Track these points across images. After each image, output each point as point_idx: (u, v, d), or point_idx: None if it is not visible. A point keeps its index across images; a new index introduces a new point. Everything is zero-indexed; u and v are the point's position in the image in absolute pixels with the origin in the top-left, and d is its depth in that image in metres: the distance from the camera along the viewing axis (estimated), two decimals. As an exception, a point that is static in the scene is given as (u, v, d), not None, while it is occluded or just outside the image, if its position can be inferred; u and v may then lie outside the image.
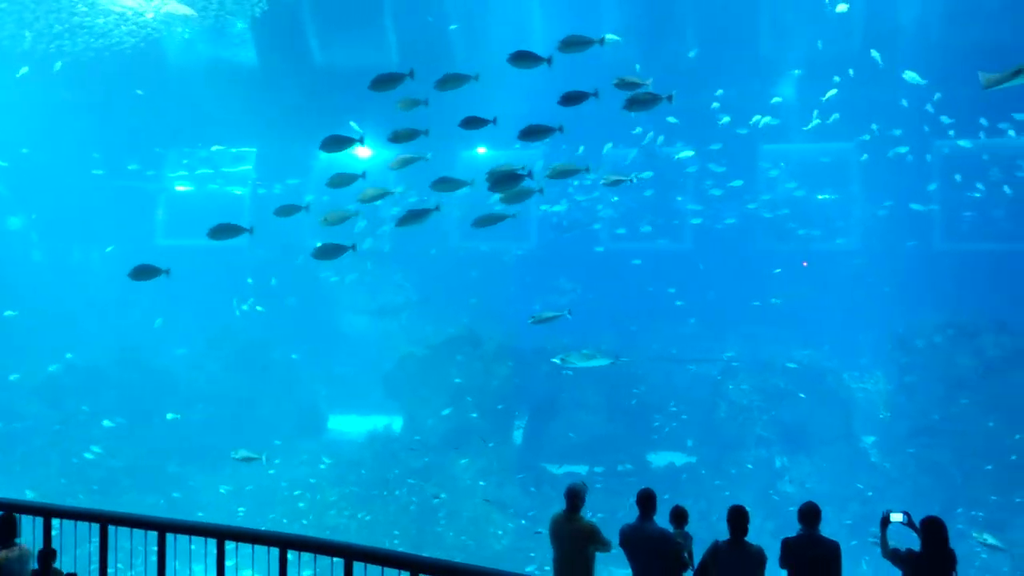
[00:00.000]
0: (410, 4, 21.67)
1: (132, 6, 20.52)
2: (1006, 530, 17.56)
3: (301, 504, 20.58)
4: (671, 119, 22.16)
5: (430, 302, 26.72)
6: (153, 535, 7.68)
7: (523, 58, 11.72)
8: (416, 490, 20.44)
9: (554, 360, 16.47)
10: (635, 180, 15.43)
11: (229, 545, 7.46)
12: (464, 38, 21.77)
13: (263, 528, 14.23)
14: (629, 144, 23.98)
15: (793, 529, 7.63)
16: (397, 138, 12.82)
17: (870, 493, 19.58)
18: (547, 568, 8.10)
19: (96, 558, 7.91)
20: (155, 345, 24.73)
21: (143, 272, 12.72)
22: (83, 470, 21.40)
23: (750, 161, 25.39)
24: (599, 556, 7.86)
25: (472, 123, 12.26)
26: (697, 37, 22.21)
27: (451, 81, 12.15)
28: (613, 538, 7.87)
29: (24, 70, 22.35)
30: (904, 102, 21.48)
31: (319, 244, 13.39)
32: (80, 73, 22.34)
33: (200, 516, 18.52)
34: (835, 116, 21.89)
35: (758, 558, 7.28)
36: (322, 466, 21.62)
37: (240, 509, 20.62)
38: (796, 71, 22.51)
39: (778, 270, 25.13)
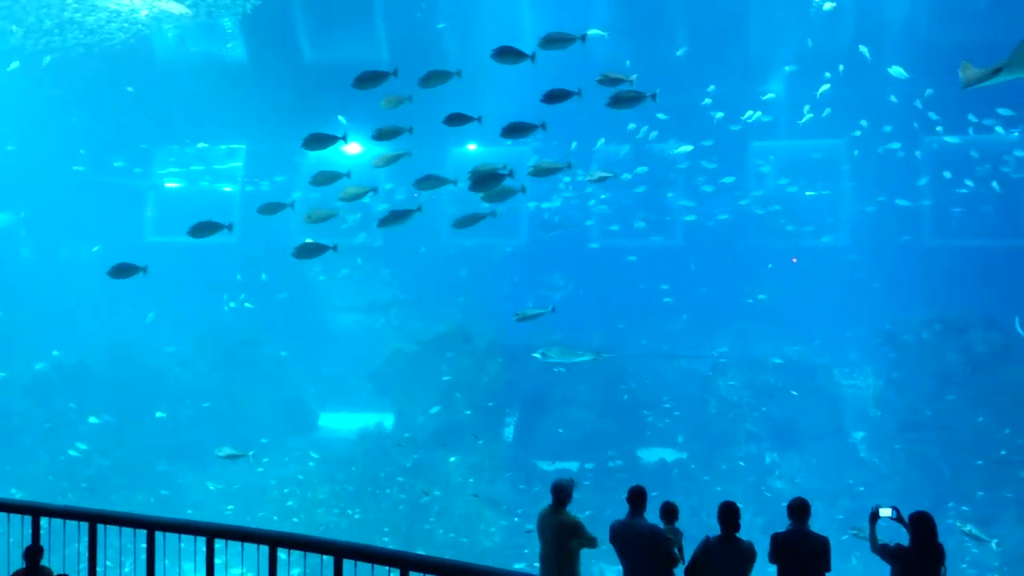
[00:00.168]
0: (400, 1, 21.63)
1: (126, 3, 20.43)
2: (994, 525, 17.63)
3: (291, 502, 20.51)
4: (661, 115, 22.17)
5: (420, 299, 26.65)
6: (143, 533, 7.65)
7: (506, 54, 11.69)
8: (407, 487, 20.38)
9: (534, 355, 16.44)
10: (619, 176, 15.43)
11: (219, 543, 7.44)
12: (455, 36, 21.77)
13: (252, 526, 14.18)
14: (622, 140, 23.97)
15: (783, 524, 7.65)
16: (381, 136, 12.81)
17: (860, 488, 19.64)
18: (537, 565, 8.08)
19: (85, 557, 7.87)
20: (144, 343, 24.54)
21: (122, 271, 12.74)
22: (72, 468, 21.26)
23: (741, 157, 25.44)
24: (589, 552, 7.86)
25: (456, 120, 12.25)
26: (688, 34, 22.27)
27: (434, 78, 12.14)
28: (604, 534, 7.86)
29: (15, 64, 22.20)
30: (893, 98, 21.58)
31: (299, 243, 13.39)
32: (69, 69, 22.22)
33: (189, 514, 18.41)
34: (827, 111, 21.97)
35: (748, 554, 7.29)
36: (311, 463, 21.53)
37: (229, 507, 20.52)
38: (787, 68, 22.58)
39: (770, 266, 25.20)
